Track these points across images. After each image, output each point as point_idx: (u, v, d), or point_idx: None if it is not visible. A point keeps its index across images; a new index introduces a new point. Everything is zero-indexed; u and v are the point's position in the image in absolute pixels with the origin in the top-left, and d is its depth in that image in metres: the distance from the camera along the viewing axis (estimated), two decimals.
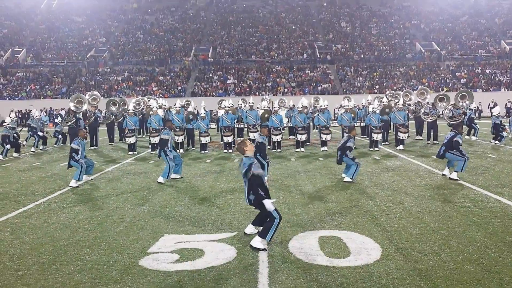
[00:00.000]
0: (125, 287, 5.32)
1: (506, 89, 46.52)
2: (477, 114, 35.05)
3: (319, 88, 48.29)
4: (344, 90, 47.01)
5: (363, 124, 22.82)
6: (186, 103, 22.93)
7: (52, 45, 58.44)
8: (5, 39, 59.04)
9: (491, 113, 21.50)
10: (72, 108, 19.45)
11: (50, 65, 53.60)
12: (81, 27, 62.39)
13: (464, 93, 19.76)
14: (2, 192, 11.17)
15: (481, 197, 9.47)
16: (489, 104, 36.25)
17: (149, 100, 25.14)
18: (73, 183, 11.60)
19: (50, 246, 6.86)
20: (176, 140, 17.70)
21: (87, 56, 55.46)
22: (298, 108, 19.19)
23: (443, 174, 11.98)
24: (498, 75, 49.60)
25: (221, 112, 21.56)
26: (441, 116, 19.54)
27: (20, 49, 56.57)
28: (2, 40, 58.92)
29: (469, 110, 21.30)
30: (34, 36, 59.92)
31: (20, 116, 41.58)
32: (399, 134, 18.34)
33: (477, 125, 22.03)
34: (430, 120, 19.86)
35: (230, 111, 19.55)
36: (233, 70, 52.19)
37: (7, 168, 15.28)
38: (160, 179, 11.87)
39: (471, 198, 9.39)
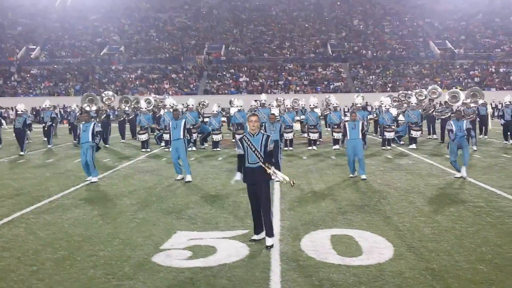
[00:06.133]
0: (138, 283, 5.37)
1: None
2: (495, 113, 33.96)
3: (331, 86, 48.11)
4: (357, 89, 46.77)
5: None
6: (201, 103, 23.02)
7: (66, 42, 58.94)
8: (19, 37, 59.66)
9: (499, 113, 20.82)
10: (86, 108, 19.56)
11: (64, 63, 54.06)
12: (95, 25, 62.85)
13: (474, 92, 19.49)
14: (16, 188, 11.31)
15: (495, 196, 9.38)
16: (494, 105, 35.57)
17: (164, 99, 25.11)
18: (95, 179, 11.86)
19: (64, 241, 6.93)
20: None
21: (101, 53, 55.85)
22: (310, 106, 19.19)
23: (456, 177, 11.71)
24: None
25: (233, 110, 21.56)
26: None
27: (35, 47, 57.13)
28: (17, 37, 59.55)
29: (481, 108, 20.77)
30: (48, 34, 60.46)
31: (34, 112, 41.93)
32: (412, 132, 18.29)
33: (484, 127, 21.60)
34: (443, 117, 19.70)
35: (242, 109, 19.61)
36: (245, 68, 52.20)
37: (22, 164, 15.46)
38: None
39: (484, 197, 9.30)
